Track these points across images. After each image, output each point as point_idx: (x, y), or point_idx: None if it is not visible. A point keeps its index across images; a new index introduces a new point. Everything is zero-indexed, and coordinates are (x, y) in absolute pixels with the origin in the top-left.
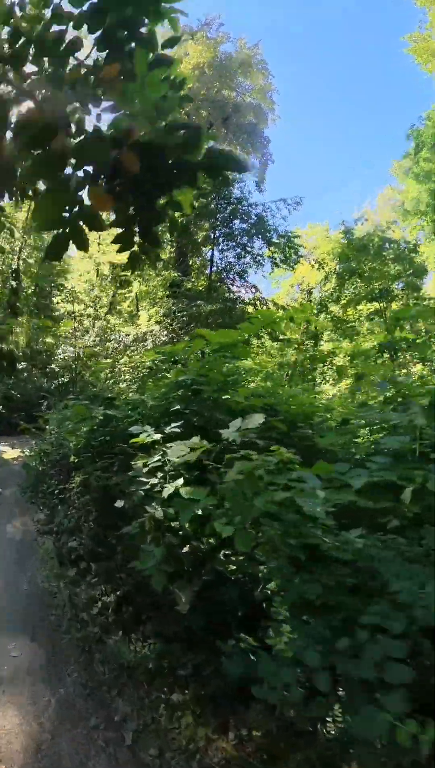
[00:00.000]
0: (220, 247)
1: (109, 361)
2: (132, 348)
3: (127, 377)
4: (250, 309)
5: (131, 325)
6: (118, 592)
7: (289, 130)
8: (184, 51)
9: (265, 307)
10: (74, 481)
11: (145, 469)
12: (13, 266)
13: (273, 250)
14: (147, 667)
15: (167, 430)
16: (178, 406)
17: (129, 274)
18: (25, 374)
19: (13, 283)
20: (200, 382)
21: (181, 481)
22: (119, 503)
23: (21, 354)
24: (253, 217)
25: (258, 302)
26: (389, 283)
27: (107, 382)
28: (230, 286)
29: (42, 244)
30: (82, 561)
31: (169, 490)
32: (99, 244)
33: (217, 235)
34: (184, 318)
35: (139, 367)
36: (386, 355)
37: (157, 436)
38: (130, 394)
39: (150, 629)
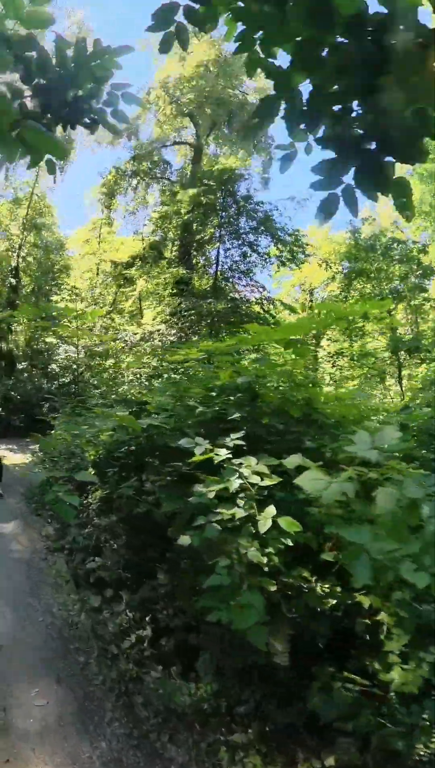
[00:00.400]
0: (224, 246)
1: (131, 359)
2: (137, 347)
3: (131, 377)
4: (256, 308)
5: (132, 324)
6: (148, 620)
7: None
8: (190, 50)
9: (271, 307)
10: (93, 496)
11: (211, 495)
12: (13, 264)
13: (281, 249)
14: (200, 708)
15: (229, 442)
16: (236, 414)
17: (132, 271)
18: (26, 375)
19: (13, 280)
20: (258, 385)
21: (272, 509)
22: (185, 540)
23: (21, 353)
24: (260, 214)
25: (264, 302)
26: (398, 283)
27: (112, 381)
28: (235, 285)
29: (42, 242)
30: (107, 587)
31: (265, 523)
32: (100, 242)
33: (223, 233)
34: (193, 317)
35: (151, 366)
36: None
37: (225, 453)
38: (159, 398)
39: (209, 666)
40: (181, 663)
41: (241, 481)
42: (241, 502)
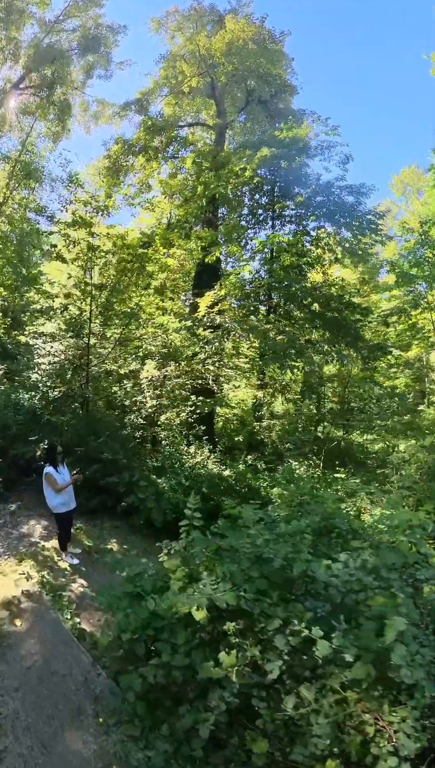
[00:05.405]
0: (274, 230)
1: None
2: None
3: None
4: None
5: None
6: None
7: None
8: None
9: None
10: None
11: None
12: None
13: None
14: None
15: None
16: None
17: (148, 253)
18: (2, 387)
19: None
20: None
21: None
22: None
23: None
24: (339, 195)
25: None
26: None
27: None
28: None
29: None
30: None
31: None
32: (93, 221)
33: (274, 213)
34: (284, 304)
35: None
36: None
37: None
38: None
39: None
40: None
41: None
42: None
